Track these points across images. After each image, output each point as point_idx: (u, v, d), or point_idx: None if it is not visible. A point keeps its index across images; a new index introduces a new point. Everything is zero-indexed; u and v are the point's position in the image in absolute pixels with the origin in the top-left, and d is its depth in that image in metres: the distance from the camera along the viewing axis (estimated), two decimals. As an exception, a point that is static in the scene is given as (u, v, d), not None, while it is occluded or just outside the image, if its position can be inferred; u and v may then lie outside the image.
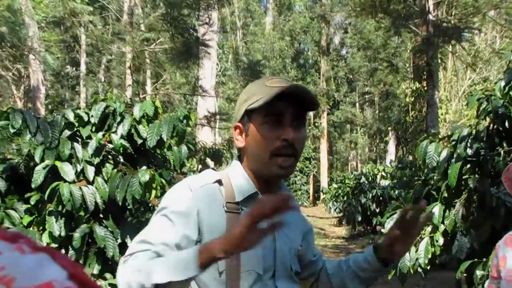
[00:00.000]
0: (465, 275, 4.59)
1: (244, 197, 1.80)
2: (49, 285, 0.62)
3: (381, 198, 17.15)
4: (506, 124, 4.28)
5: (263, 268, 1.75)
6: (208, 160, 9.99)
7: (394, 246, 1.84)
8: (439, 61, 17.45)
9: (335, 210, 20.84)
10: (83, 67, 26.53)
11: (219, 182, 1.83)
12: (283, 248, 1.83)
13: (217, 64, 23.73)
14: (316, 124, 40.08)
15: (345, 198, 19.18)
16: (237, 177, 1.85)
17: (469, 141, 4.41)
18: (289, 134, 1.74)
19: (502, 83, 4.42)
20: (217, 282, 1.71)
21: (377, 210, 17.04)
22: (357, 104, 43.03)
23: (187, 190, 1.78)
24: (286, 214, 1.78)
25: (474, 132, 4.54)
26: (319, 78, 40.20)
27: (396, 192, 14.85)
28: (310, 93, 1.77)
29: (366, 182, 18.41)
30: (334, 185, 23.68)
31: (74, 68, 29.41)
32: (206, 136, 15.16)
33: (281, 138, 1.75)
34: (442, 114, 21.38)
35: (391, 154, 29.86)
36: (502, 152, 4.39)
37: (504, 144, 4.46)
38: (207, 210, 1.75)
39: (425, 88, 14.81)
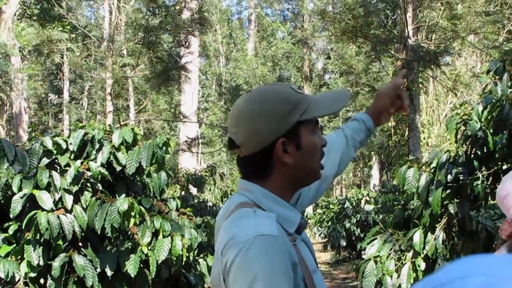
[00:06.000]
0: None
1: (295, 228, 1.60)
2: None
3: (365, 223, 17.10)
4: (484, 148, 4.31)
5: None
6: (191, 187, 9.97)
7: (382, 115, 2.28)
8: (420, 85, 17.61)
9: (319, 235, 20.67)
10: (66, 95, 26.45)
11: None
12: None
13: (199, 90, 23.76)
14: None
15: (330, 223, 19.06)
16: (273, 205, 1.59)
17: (447, 166, 4.43)
18: (325, 140, 1.70)
19: (480, 107, 4.44)
20: None
21: (362, 235, 16.93)
22: (340, 129, 43.08)
23: (274, 241, 1.43)
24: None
25: (452, 157, 4.56)
26: (302, 103, 40.17)
27: (380, 216, 14.82)
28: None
29: (350, 207, 18.29)
30: (319, 211, 23.54)
31: (57, 96, 29.37)
32: (189, 163, 15.13)
33: (320, 145, 1.67)
34: (424, 138, 21.51)
35: (375, 179, 29.79)
36: (481, 176, 4.40)
37: (483, 168, 4.47)
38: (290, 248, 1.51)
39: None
